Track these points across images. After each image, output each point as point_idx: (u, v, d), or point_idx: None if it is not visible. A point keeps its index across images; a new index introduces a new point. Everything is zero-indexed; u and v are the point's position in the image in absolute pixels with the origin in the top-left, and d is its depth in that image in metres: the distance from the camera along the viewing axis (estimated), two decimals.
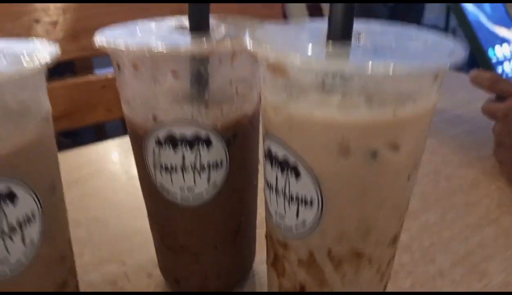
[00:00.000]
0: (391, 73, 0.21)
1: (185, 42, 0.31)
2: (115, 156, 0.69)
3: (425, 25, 3.26)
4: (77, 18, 1.13)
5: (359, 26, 0.29)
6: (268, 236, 0.33)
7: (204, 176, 0.33)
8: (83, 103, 1.13)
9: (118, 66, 0.31)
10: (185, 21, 0.35)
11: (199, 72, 0.30)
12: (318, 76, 0.24)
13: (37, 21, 1.11)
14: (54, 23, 1.14)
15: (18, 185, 0.26)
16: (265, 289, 0.40)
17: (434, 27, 3.22)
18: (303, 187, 0.27)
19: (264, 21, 0.36)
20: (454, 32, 3.15)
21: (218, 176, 0.34)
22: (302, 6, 2.78)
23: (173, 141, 0.32)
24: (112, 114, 1.14)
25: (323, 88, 0.24)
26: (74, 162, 0.64)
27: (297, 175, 0.27)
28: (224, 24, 0.34)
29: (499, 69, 0.62)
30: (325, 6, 2.91)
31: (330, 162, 0.26)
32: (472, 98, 0.78)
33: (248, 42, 0.26)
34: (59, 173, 0.31)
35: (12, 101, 0.26)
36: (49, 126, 0.29)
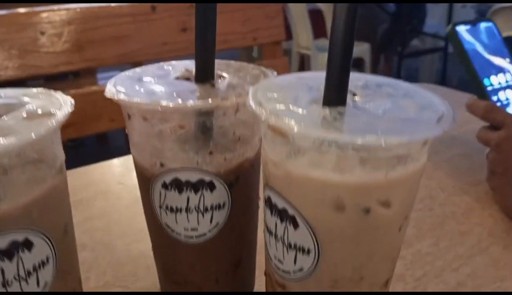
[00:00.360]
0: (383, 146, 0.23)
1: (192, 95, 0.33)
2: (120, 176, 0.71)
3: (426, 33, 3.27)
4: (82, 30, 1.15)
5: (355, 80, 0.31)
6: (267, 275, 0.35)
7: (207, 216, 0.35)
8: (87, 113, 1.15)
9: (128, 115, 0.33)
10: (190, 65, 0.37)
11: (204, 125, 0.32)
12: (315, 142, 0.26)
13: (42, 33, 1.13)
14: (59, 35, 1.16)
15: (34, 233, 0.28)
16: None
17: (434, 35, 3.24)
18: (301, 236, 0.29)
19: (267, 68, 0.38)
20: None
21: (221, 216, 0.36)
22: (303, 10, 2.78)
23: (178, 185, 0.34)
24: (115, 124, 1.16)
25: (320, 150, 0.26)
26: (79, 181, 0.66)
27: (295, 225, 0.29)
28: (228, 74, 0.36)
29: (494, 98, 0.64)
30: (326, 10, 2.90)
31: (326, 216, 0.28)
32: (468, 119, 0.80)
33: (251, 104, 0.28)
34: (71, 216, 0.32)
35: (29, 157, 0.28)
36: (63, 176, 0.30)
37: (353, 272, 0.30)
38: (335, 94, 0.26)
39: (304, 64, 2.94)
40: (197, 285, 0.38)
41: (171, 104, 0.30)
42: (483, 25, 0.66)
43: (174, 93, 0.32)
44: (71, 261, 0.33)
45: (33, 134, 0.26)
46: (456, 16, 3.30)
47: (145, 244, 0.53)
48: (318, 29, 2.76)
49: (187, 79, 0.36)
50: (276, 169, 0.29)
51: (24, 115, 0.28)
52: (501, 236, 0.53)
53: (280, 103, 0.28)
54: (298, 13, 2.67)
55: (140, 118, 0.32)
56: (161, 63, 0.39)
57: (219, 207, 0.35)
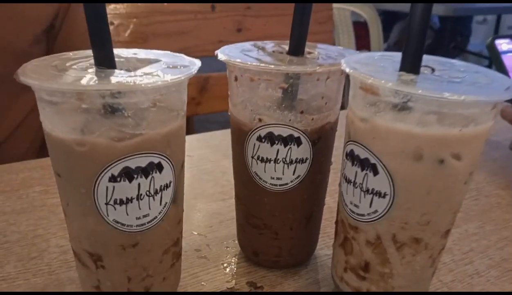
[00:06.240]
0: (462, 102, 0.29)
1: (291, 63, 0.39)
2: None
3: (469, 51, 3.27)
4: (148, 23, 1.24)
5: (431, 61, 0.37)
6: (340, 221, 0.41)
7: (291, 168, 0.41)
8: None
9: (235, 78, 0.40)
10: (283, 45, 0.44)
11: (300, 88, 0.38)
12: (403, 98, 0.32)
13: (111, 23, 1.23)
14: (126, 26, 1.25)
15: (165, 160, 0.35)
16: (326, 270, 0.48)
17: (478, 54, 3.23)
18: (379, 182, 0.35)
19: (346, 49, 0.44)
20: None
21: (302, 170, 0.42)
22: (348, 21, 2.83)
23: (271, 139, 0.40)
24: None
25: (405, 107, 0.32)
26: None
27: (375, 172, 0.35)
28: (316, 50, 0.42)
29: None
30: (371, 21, 2.93)
31: (405, 164, 0.33)
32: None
33: (348, 69, 0.34)
34: (185, 158, 0.39)
35: (170, 97, 0.35)
36: (184, 119, 0.37)
37: (421, 217, 0.35)
38: (415, 63, 0.33)
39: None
40: (274, 229, 0.45)
41: (278, 67, 0.37)
42: None
43: (276, 61, 0.39)
44: (181, 193, 0.40)
45: (180, 76, 0.33)
46: None
47: (216, 205, 0.60)
48: (361, 41, 2.80)
49: (281, 53, 0.42)
50: (364, 124, 0.35)
51: (165, 66, 0.36)
52: None
53: (370, 69, 0.35)
54: (343, 24, 2.72)
55: (247, 79, 0.39)
56: (253, 42, 0.46)
57: (302, 161, 0.41)
